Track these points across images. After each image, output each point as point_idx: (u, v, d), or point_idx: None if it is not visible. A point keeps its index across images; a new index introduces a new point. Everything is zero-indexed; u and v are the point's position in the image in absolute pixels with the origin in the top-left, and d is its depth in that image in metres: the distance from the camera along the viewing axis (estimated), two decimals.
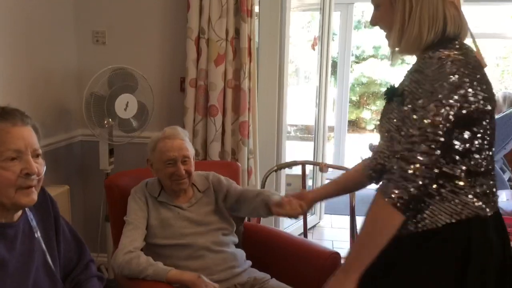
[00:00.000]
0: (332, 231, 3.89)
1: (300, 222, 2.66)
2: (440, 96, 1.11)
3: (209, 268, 1.80)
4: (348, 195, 2.19)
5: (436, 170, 1.12)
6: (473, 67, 1.15)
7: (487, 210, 1.20)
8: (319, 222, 3.99)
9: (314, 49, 3.97)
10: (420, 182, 1.12)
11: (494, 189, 1.24)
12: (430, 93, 1.13)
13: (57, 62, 2.72)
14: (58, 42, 2.71)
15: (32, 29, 2.47)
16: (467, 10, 1.28)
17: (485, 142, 1.18)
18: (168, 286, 1.65)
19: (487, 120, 1.17)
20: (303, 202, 1.63)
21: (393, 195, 1.13)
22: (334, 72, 5.81)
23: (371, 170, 1.46)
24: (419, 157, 1.11)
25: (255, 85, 2.74)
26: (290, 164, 2.55)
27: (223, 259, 1.86)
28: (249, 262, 1.96)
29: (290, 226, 3.41)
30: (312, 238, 3.69)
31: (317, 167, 2.66)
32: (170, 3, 2.74)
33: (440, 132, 1.11)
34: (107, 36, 2.82)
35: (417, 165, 1.12)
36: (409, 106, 1.19)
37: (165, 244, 1.84)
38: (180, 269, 1.75)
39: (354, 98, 8.88)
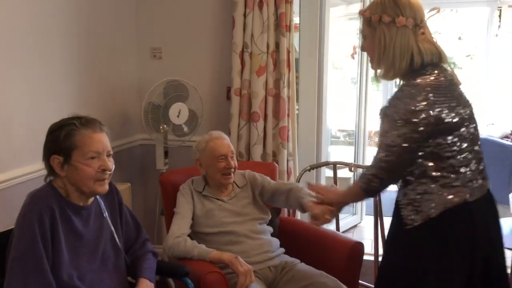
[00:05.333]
0: (372, 230, 4.03)
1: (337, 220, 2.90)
2: (410, 118, 1.41)
3: (246, 252, 2.09)
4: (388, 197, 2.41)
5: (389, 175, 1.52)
6: (444, 88, 1.44)
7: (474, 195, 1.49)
8: (360, 222, 4.17)
9: (353, 58, 4.17)
10: (385, 181, 1.53)
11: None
12: (404, 116, 1.42)
13: (121, 75, 3.11)
14: (121, 57, 3.10)
15: (99, 46, 2.85)
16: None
17: (465, 142, 1.48)
18: (210, 264, 1.95)
19: (462, 129, 1.47)
20: (334, 207, 1.85)
21: (360, 183, 1.58)
22: None
23: None
24: (388, 165, 1.49)
25: (294, 93, 3.00)
26: (322, 165, 2.79)
27: (259, 245, 2.14)
28: (282, 249, 2.23)
29: (328, 226, 3.62)
30: (352, 237, 3.87)
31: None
32: (217, 22, 3.07)
33: (409, 146, 1.44)
34: (163, 52, 3.19)
35: (385, 170, 1.51)
36: (384, 128, 1.49)
37: (209, 232, 2.15)
38: None
39: None
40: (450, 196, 1.46)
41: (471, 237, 1.47)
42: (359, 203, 4.10)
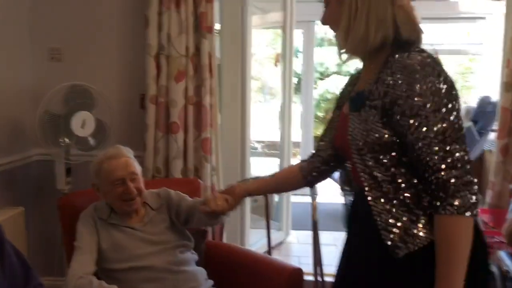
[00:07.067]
0: (299, 246, 3.86)
1: (265, 239, 2.64)
2: (437, 100, 1.09)
3: None
4: (309, 209, 2.19)
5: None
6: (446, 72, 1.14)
7: None
8: (286, 238, 3.96)
9: (276, 66, 4.00)
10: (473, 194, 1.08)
11: None
12: (427, 104, 1.09)
13: (11, 79, 2.64)
14: (12, 59, 2.64)
15: None
16: (423, 28, 1.27)
17: None
18: None
19: None
20: (231, 196, 1.55)
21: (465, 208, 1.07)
22: (298, 89, 5.87)
23: (307, 174, 1.48)
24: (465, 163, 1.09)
25: (216, 101, 2.72)
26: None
27: (183, 280, 1.80)
28: (211, 282, 1.91)
29: (256, 243, 3.38)
30: (279, 254, 3.65)
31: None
32: (128, 20, 2.71)
33: (457, 127, 1.10)
34: (64, 53, 2.76)
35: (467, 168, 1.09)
36: (402, 114, 1.12)
37: (120, 268, 1.77)
38: None
39: (320, 114, 9.00)
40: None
41: None
42: (284, 215, 3.90)
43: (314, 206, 2.14)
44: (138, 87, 2.70)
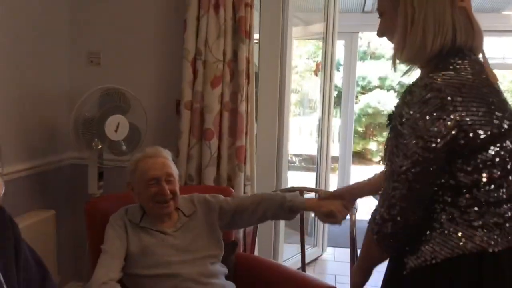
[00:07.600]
0: (335, 264, 3.70)
1: (299, 254, 2.50)
2: (422, 130, 1.02)
3: None
4: (348, 226, 2.05)
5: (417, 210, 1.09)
6: (469, 88, 1.04)
7: (499, 244, 1.05)
8: (321, 255, 3.80)
9: (317, 75, 3.88)
10: (399, 223, 1.09)
11: None
12: (412, 128, 1.04)
13: (49, 82, 2.64)
14: (51, 62, 2.64)
15: (22, 48, 2.40)
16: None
17: (497, 170, 1.05)
18: None
19: (498, 145, 1.05)
20: (345, 202, 1.67)
21: (374, 230, 1.14)
22: (339, 102, 5.72)
23: None
24: (399, 201, 1.07)
25: (253, 108, 2.63)
26: (287, 191, 2.39)
27: None
28: None
29: (289, 259, 3.24)
30: (314, 272, 3.50)
31: (317, 194, 2.50)
32: (167, 24, 2.68)
33: (423, 170, 1.04)
34: (102, 57, 2.75)
35: (397, 208, 1.08)
36: (390, 147, 1.12)
37: (147, 274, 1.69)
38: None
39: (360, 129, 8.77)
40: (463, 240, 1.06)
41: None
42: (320, 230, 3.75)
43: (353, 222, 1.99)
44: (174, 93, 2.65)
